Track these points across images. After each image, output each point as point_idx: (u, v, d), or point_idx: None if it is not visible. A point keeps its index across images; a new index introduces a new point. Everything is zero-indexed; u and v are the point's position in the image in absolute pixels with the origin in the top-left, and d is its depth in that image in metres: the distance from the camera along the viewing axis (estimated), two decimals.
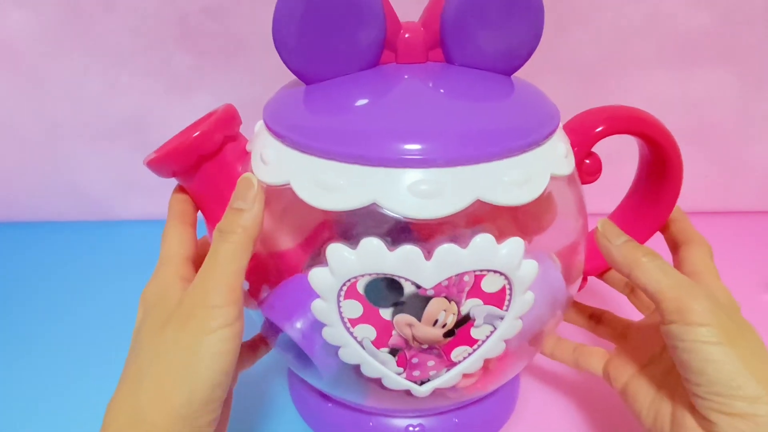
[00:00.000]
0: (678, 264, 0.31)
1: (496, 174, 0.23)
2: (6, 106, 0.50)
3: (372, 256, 0.23)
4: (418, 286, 0.24)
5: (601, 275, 0.35)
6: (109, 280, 0.50)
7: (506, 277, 0.24)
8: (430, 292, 0.24)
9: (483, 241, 0.23)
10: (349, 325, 0.25)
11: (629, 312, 0.35)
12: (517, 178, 0.24)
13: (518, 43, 0.28)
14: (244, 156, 0.28)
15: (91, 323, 0.45)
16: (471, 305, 0.25)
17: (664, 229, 0.33)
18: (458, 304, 0.24)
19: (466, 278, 0.24)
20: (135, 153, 0.52)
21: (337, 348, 0.26)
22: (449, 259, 0.23)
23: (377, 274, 0.23)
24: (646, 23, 0.47)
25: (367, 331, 0.25)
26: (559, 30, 0.48)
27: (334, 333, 0.25)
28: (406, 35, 0.28)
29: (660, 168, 0.31)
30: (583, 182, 0.30)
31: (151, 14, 0.46)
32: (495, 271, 0.24)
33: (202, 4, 0.46)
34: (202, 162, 0.27)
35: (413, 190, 0.23)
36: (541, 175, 0.24)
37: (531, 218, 0.29)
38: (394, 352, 0.26)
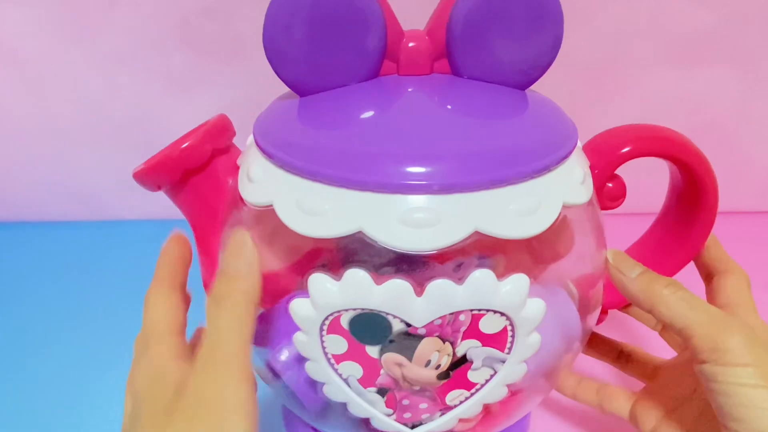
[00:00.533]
0: (711, 295, 0.28)
1: (499, 202, 0.21)
2: (6, 106, 0.50)
3: (356, 289, 0.21)
4: (408, 324, 0.21)
5: (624, 309, 0.32)
6: (110, 280, 0.49)
7: (508, 318, 0.22)
8: (421, 331, 0.21)
9: (482, 276, 0.21)
10: (333, 361, 0.23)
11: (663, 348, 0.32)
12: (523, 207, 0.21)
13: (537, 54, 0.25)
14: (235, 170, 0.26)
15: (91, 323, 0.45)
16: (468, 346, 0.22)
17: (697, 256, 0.30)
18: (453, 344, 0.22)
19: (461, 317, 0.21)
20: (135, 153, 0.51)
21: (321, 384, 0.24)
22: (443, 296, 0.21)
23: (362, 309, 0.21)
24: (647, 23, 0.47)
25: (353, 369, 0.23)
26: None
27: (317, 368, 0.23)
28: (410, 44, 0.25)
29: (693, 195, 0.28)
30: (604, 208, 0.27)
31: (151, 14, 0.46)
32: (495, 311, 0.21)
33: (202, 5, 0.45)
34: (190, 176, 0.26)
35: (404, 219, 0.20)
36: (551, 204, 0.22)
37: (544, 247, 0.26)
38: (382, 392, 0.24)
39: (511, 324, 0.22)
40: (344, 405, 0.24)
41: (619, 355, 0.32)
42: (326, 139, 0.23)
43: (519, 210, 0.21)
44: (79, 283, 0.49)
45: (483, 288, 0.21)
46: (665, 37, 0.47)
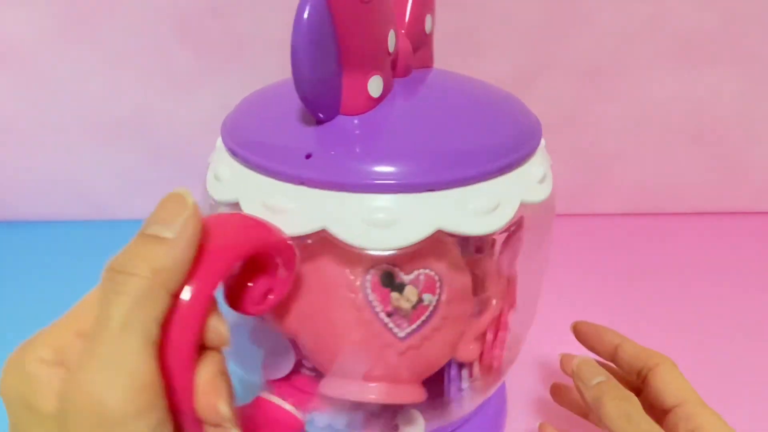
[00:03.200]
0: (654, 397, 0.27)
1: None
2: (7, 106, 0.50)
3: None
4: None
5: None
6: None
7: None
8: None
9: None
10: None
11: None
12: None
13: None
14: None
15: None
16: None
17: (613, 358, 0.29)
18: None
19: None
20: (136, 153, 0.52)
21: None
22: None
23: None
24: (649, 24, 0.47)
25: None
26: (561, 30, 0.47)
27: None
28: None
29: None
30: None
31: (153, 13, 0.45)
32: None
33: (204, 4, 0.45)
34: None
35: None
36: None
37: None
38: None
39: None
40: None
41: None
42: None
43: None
44: (79, 283, 0.48)
45: None
46: (666, 38, 0.47)
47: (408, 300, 0.23)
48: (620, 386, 0.26)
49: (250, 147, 0.23)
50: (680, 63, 0.48)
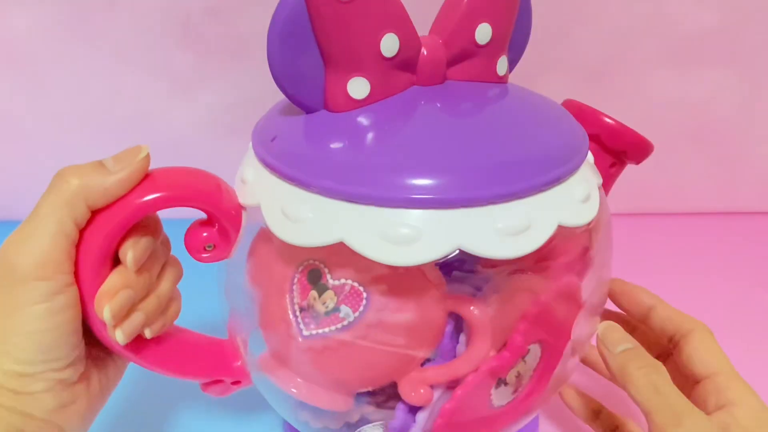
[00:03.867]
0: (685, 365, 0.25)
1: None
2: (8, 106, 0.51)
3: None
4: None
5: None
6: None
7: None
8: None
9: None
10: None
11: None
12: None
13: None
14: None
15: None
16: None
17: (646, 319, 0.28)
18: None
19: None
20: None
21: None
22: None
23: None
24: (649, 23, 0.47)
25: None
26: (562, 30, 0.47)
27: None
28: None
29: None
30: None
31: (153, 14, 0.46)
32: None
33: (205, 4, 0.45)
34: None
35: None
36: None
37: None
38: None
39: None
40: None
41: (592, 410, 0.32)
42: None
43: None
44: None
45: None
46: (666, 38, 0.47)
47: (324, 304, 0.22)
48: (647, 354, 0.24)
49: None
50: (680, 63, 0.48)
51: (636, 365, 0.23)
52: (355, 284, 0.22)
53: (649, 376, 0.23)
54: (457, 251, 0.20)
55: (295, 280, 0.23)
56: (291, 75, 0.22)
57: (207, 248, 0.23)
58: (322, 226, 0.21)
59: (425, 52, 0.24)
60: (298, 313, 0.23)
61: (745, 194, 0.56)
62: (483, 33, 0.25)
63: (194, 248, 0.24)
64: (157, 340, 0.24)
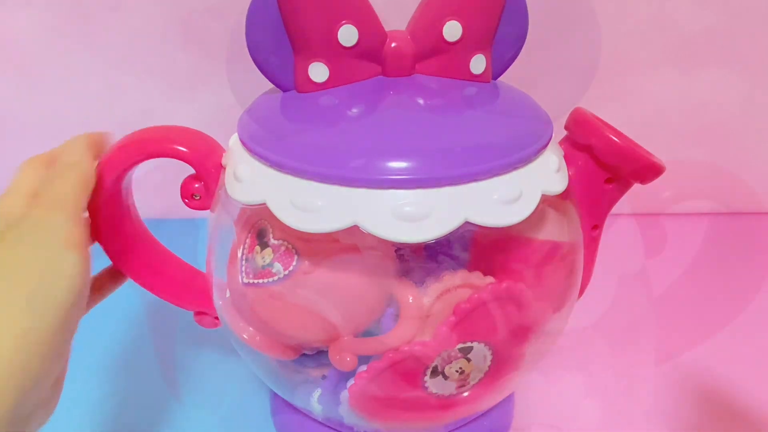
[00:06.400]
0: None
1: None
2: (8, 106, 0.50)
3: None
4: None
5: None
6: None
7: None
8: None
9: None
10: None
11: None
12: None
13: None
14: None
15: (90, 322, 0.43)
16: None
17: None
18: None
19: None
20: None
21: None
22: None
23: None
24: (650, 24, 0.47)
25: None
26: (562, 31, 0.47)
27: None
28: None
29: None
30: None
31: (154, 14, 0.45)
32: None
33: (205, 4, 0.45)
34: None
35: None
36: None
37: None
38: None
39: None
40: None
41: None
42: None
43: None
44: None
45: None
46: (667, 38, 0.48)
47: (263, 258, 0.25)
48: None
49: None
50: (680, 63, 0.49)
51: None
52: (290, 246, 0.24)
53: None
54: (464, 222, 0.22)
55: (249, 234, 0.26)
56: (265, 55, 0.25)
57: (195, 197, 0.28)
58: (334, 213, 0.21)
59: (393, 45, 0.26)
60: (243, 262, 0.26)
61: (744, 194, 0.56)
62: (451, 30, 0.26)
63: (185, 195, 0.28)
64: (149, 259, 0.30)
